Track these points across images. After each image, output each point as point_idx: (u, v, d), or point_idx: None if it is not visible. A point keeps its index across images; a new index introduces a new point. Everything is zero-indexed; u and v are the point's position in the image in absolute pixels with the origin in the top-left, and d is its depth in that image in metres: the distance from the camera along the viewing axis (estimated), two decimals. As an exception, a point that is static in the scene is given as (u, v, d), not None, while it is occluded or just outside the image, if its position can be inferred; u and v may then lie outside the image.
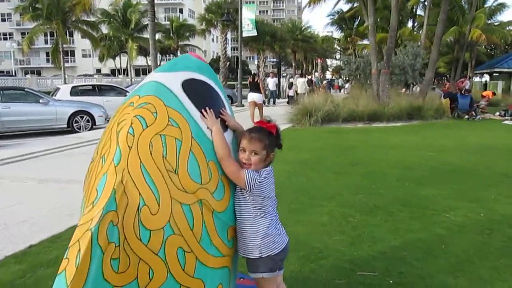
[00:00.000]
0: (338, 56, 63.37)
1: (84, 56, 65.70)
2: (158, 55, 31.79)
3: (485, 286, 3.02)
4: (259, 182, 2.00)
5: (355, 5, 35.21)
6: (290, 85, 25.04)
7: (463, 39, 30.79)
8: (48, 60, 53.16)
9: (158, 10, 53.05)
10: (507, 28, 36.15)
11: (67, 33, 40.23)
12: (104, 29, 42.76)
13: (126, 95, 4.04)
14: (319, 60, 54.78)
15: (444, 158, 7.89)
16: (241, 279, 2.76)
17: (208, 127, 2.03)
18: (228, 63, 40.79)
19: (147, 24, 24.07)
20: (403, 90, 20.67)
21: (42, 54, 63.70)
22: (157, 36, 35.84)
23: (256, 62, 49.04)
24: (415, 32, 34.42)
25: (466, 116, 15.54)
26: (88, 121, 13.09)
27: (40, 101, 12.50)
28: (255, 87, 13.50)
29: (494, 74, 30.20)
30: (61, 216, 4.62)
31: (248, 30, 24.03)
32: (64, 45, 35.96)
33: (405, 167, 6.97)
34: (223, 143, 2.01)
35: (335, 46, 59.89)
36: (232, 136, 2.18)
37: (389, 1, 19.91)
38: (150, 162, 1.78)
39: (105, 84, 20.38)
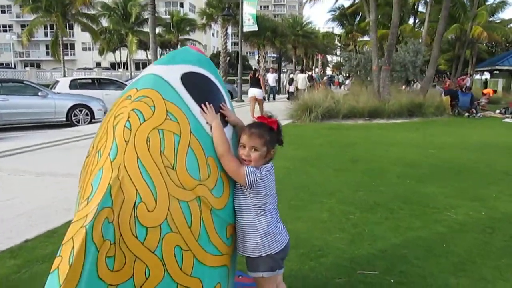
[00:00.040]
0: (338, 52, 63.20)
1: (84, 49, 65.53)
2: (158, 49, 31.67)
3: (486, 286, 2.97)
4: (260, 179, 1.95)
5: (357, 1, 35.11)
6: (291, 81, 24.95)
7: (464, 36, 30.75)
8: (47, 53, 52.93)
9: (159, 4, 52.80)
10: (509, 26, 36.07)
11: (67, 26, 40.08)
12: (104, 22, 42.62)
13: (124, 89, 3.97)
14: (319, 56, 54.66)
15: (445, 155, 7.84)
16: (240, 277, 2.72)
17: (207, 122, 1.97)
18: (228, 58, 40.71)
19: (148, 18, 23.98)
20: (404, 87, 20.61)
21: (42, 46, 63.51)
22: (157, 30, 35.73)
23: (256, 58, 48.94)
24: (416, 29, 34.33)
25: (467, 114, 15.48)
26: (87, 114, 13.03)
27: (39, 94, 12.44)
28: (255, 83, 13.50)
29: (495, 72, 30.13)
30: (58, 210, 4.57)
31: (249, 25, 23.91)
32: (64, 38, 35.81)
33: (405, 164, 6.92)
34: (223, 139, 1.96)
35: (336, 42, 59.72)
36: (232, 132, 2.12)
37: (391, -3, 19.82)
38: (148, 157, 1.72)
39: (104, 77, 20.30)
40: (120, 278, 1.60)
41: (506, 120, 14.55)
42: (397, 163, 7.01)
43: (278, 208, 2.13)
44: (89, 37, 42.71)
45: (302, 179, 5.88)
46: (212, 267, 1.84)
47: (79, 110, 12.94)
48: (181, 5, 64.36)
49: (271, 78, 24.43)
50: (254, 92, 13.32)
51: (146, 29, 36.25)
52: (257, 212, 2.00)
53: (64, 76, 30.10)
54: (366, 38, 41.89)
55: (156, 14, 20.43)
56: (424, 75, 19.82)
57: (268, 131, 2.02)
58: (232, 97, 21.43)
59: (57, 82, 16.21)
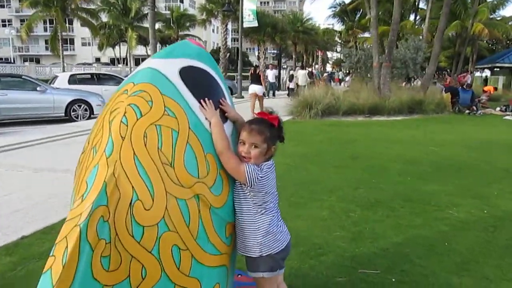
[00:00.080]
0: (338, 49, 63.09)
1: (83, 44, 65.36)
2: (158, 44, 31.54)
3: (489, 286, 2.93)
4: (261, 177, 1.89)
5: (357, -3, 34.99)
6: (291, 78, 24.85)
7: (465, 33, 30.65)
8: (47, 48, 52.84)
9: (159, -1, 52.62)
10: (509, 23, 35.98)
11: (67, 20, 39.95)
12: (104, 17, 42.51)
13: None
14: (319, 52, 54.52)
15: (446, 152, 7.79)
16: (239, 276, 2.67)
17: (206, 118, 1.91)
18: (228, 54, 40.59)
19: (147, 13, 23.86)
20: (404, 84, 20.55)
21: (41, 41, 63.32)
22: (157, 25, 35.63)
23: (256, 54, 48.82)
24: (416, 26, 34.23)
25: (467, 111, 15.43)
26: (86, 110, 12.96)
27: (38, 89, 12.35)
28: (256, 79, 13.49)
29: (495, 69, 30.05)
30: (56, 206, 4.52)
31: (249, 20, 23.83)
32: (64, 33, 35.73)
33: (406, 162, 6.88)
34: (222, 136, 1.90)
35: (336, 38, 59.58)
36: (232, 128, 2.06)
37: (392, -7, 19.73)
38: (144, 154, 1.67)
39: (103, 73, 20.24)
40: (115, 279, 1.56)
41: (507, 117, 14.50)
42: (398, 160, 6.97)
43: (279, 207, 2.07)
44: (88, 33, 42.60)
45: (302, 176, 5.83)
46: (211, 267, 1.79)
47: (78, 105, 12.87)
48: (181, 0, 64.11)
49: (270, 74, 24.33)
50: (254, 88, 13.30)
51: (146, 24, 36.16)
52: (258, 211, 1.94)
53: (63, 71, 29.99)
54: (366, 34, 41.81)
55: (155, 10, 20.34)
56: (424, 72, 19.75)
57: (268, 127, 1.96)
58: (232, 93, 21.34)
59: (56, 77, 16.12)
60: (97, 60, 59.28)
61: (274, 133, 1.99)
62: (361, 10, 40.23)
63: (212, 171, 1.84)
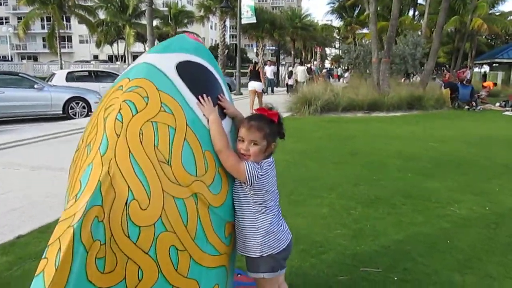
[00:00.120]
0: (337, 45, 62.99)
1: (81, 42, 65.10)
2: (156, 41, 31.42)
3: (492, 284, 2.88)
4: (261, 175, 1.83)
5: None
6: (290, 74, 24.77)
7: (464, 28, 30.59)
8: (44, 46, 52.50)
9: (156, -5, 52.38)
10: (508, 18, 35.93)
11: (64, 18, 39.78)
12: (101, 14, 42.31)
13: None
14: (318, 48, 54.40)
15: (446, 148, 7.74)
16: (239, 275, 2.62)
17: (204, 115, 1.86)
18: (226, 51, 40.44)
19: (145, 10, 23.75)
20: (403, 79, 20.50)
21: (39, 39, 63.00)
22: (155, 22, 35.54)
23: (255, 50, 48.66)
24: (415, 21, 34.17)
25: (467, 107, 15.38)
26: (83, 107, 12.87)
27: (35, 86, 12.28)
28: (255, 76, 13.47)
29: (494, 64, 30.01)
30: (53, 205, 4.47)
31: (247, 17, 23.73)
32: (61, 31, 35.61)
33: (406, 158, 6.83)
34: (221, 133, 1.84)
35: (335, 35, 59.48)
36: (230, 125, 2.00)
37: (391, -11, 19.65)
38: (140, 151, 1.61)
39: (101, 70, 20.12)
40: (111, 281, 1.51)
41: (506, 113, 14.46)
42: (398, 157, 6.92)
43: (280, 205, 2.02)
44: (86, 30, 42.47)
45: (301, 173, 5.79)
46: (210, 267, 1.74)
47: (76, 103, 12.78)
48: (179, -3, 63.86)
49: (269, 70, 24.26)
50: (254, 85, 13.30)
51: (144, 21, 35.96)
52: (258, 210, 1.89)
53: (61, 68, 29.89)
54: (365, 30, 41.77)
55: (153, 6, 20.23)
56: (423, 67, 19.70)
57: (268, 123, 1.91)
58: (230, 90, 21.12)
59: (53, 74, 16.03)
60: (95, 57, 59.11)
61: (274, 130, 1.93)
62: (360, 6, 40.19)
63: (211, 169, 1.78)
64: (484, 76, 31.21)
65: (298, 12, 44.23)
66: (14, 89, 12.08)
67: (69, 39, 64.56)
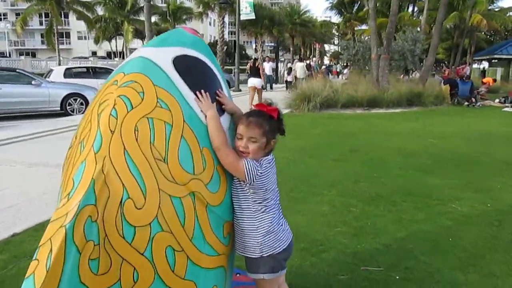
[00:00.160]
0: (336, 42, 62.86)
1: (79, 38, 64.84)
2: (154, 38, 31.30)
3: (496, 282, 2.84)
4: (260, 173, 1.77)
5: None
6: (289, 71, 24.67)
7: (463, 24, 30.52)
8: (43, 42, 52.35)
9: (155, -8, 52.14)
10: (508, 14, 35.83)
11: (62, 14, 39.60)
12: (100, 10, 42.13)
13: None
14: (317, 45, 54.26)
15: (446, 145, 7.70)
16: (238, 275, 2.57)
17: (202, 111, 1.80)
18: (225, 47, 40.29)
19: (143, 6, 23.61)
20: (402, 76, 20.43)
21: (37, 35, 62.79)
22: (154, 18, 35.38)
23: (254, 47, 48.52)
24: (414, 18, 34.08)
25: (466, 103, 15.34)
26: (81, 103, 12.78)
27: (33, 82, 12.19)
28: (255, 72, 13.43)
29: (493, 60, 29.95)
30: (50, 202, 4.41)
31: (246, 13, 23.64)
32: (59, 27, 35.46)
33: (406, 155, 6.78)
34: (219, 130, 1.78)
35: (334, 31, 59.33)
36: (229, 121, 1.94)
37: (390, -15, 19.56)
38: (136, 148, 1.55)
39: (100, 66, 20.04)
40: (105, 283, 1.46)
41: (506, 109, 14.41)
42: (398, 153, 6.87)
43: (281, 204, 1.96)
44: (85, 26, 42.25)
45: (301, 170, 5.74)
46: (208, 268, 1.68)
47: (74, 99, 12.70)
48: (178, -7, 63.59)
49: (267, 67, 24.11)
50: (253, 81, 13.27)
51: (142, 17, 35.87)
52: (258, 209, 1.83)
53: (59, 65, 29.74)
54: (364, 27, 41.65)
55: (152, 2, 20.11)
56: (422, 64, 19.63)
57: (267, 119, 1.84)
58: (229, 87, 20.97)
59: (51, 70, 15.93)
60: (94, 54, 58.90)
61: (274, 126, 1.86)
62: (359, 2, 40.12)
63: (209, 167, 1.72)
64: (483, 72, 31.17)
65: (297, 9, 44.03)
66: (11, 85, 11.99)
67: (68, 35, 64.30)
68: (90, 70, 16.31)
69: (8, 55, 52.70)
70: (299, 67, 22.89)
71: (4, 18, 60.30)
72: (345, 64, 34.67)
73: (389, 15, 17.17)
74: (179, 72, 1.81)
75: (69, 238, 1.35)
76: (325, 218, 3.94)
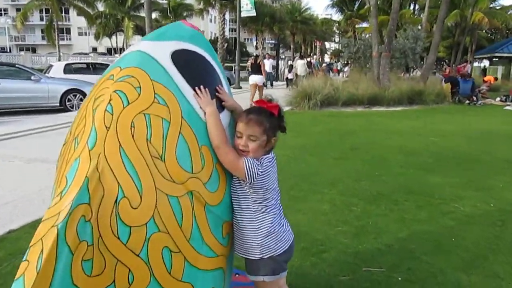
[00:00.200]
0: (337, 39, 62.76)
1: (80, 34, 64.63)
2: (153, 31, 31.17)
3: (500, 284, 2.78)
4: (261, 172, 1.71)
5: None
6: (290, 68, 24.58)
7: (464, 22, 30.43)
8: (43, 38, 52.12)
9: (155, -12, 51.95)
10: (509, 12, 35.72)
11: (63, 10, 39.49)
12: (100, 6, 41.99)
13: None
14: (318, 43, 54.16)
15: (447, 144, 7.64)
16: (237, 275, 2.51)
17: (201, 107, 1.74)
18: (226, 44, 40.19)
19: (144, 2, 23.52)
20: (402, 74, 20.36)
21: (38, 31, 62.57)
22: (154, 15, 35.26)
23: (254, 44, 48.43)
24: (415, 16, 33.97)
25: (467, 101, 15.27)
26: (81, 99, 12.68)
27: (32, 78, 12.11)
28: (256, 69, 13.35)
29: (494, 59, 29.86)
30: (47, 199, 4.29)
31: (247, 10, 23.52)
32: (60, 23, 35.32)
33: (407, 153, 6.72)
34: (219, 127, 1.72)
35: (334, 29, 59.22)
36: (229, 118, 1.88)
37: (392, -18, 19.47)
38: (132, 146, 1.50)
39: (100, 62, 19.94)
40: (99, 284, 1.41)
41: (507, 107, 14.35)
42: (399, 152, 6.81)
43: (281, 203, 1.90)
44: (85, 22, 42.08)
45: (301, 168, 5.68)
46: (206, 270, 1.62)
47: (73, 95, 12.62)
48: (178, -11, 63.36)
49: (267, 64, 24.02)
50: (255, 78, 13.21)
51: (143, 13, 35.68)
52: (258, 209, 1.77)
53: (59, 61, 29.65)
54: (364, 24, 41.54)
55: (152, -2, 20.02)
56: (423, 62, 19.55)
57: (268, 117, 1.77)
58: (230, 84, 20.89)
59: (50, 66, 15.86)
60: (94, 50, 58.76)
61: (274, 123, 1.80)
62: (360, 0, 39.90)
63: (207, 165, 1.66)
64: (484, 71, 31.07)
65: (298, 6, 43.96)
66: (10, 81, 11.91)
67: (68, 31, 64.13)
68: (90, 66, 16.24)
69: (8, 50, 52.55)
70: (300, 65, 22.79)
71: (4, 13, 60.10)
72: (345, 62, 34.57)
73: (390, 12, 17.08)
74: (178, 67, 1.75)
75: (61, 238, 1.30)
76: (326, 217, 3.88)
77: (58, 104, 12.40)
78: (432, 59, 17.48)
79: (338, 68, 44.15)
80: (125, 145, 1.49)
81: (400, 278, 2.79)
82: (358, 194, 4.56)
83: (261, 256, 1.78)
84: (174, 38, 1.88)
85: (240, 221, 1.78)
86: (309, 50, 58.84)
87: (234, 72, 24.04)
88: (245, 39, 66.88)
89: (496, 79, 23.17)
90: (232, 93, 2.08)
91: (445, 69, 28.08)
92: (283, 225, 1.85)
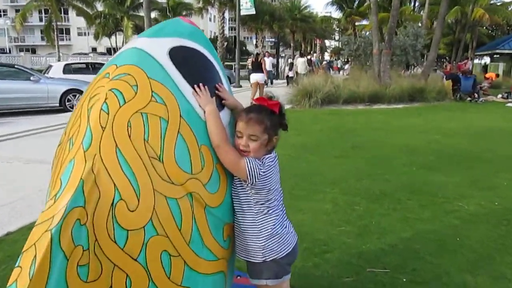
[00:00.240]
0: (337, 37, 62.67)
1: (79, 34, 64.56)
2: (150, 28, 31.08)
3: (508, 285, 2.72)
4: (263, 172, 1.65)
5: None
6: (291, 66, 24.51)
7: (465, 19, 30.33)
8: (43, 38, 52.00)
9: (155, -13, 51.84)
10: (510, 8, 35.62)
11: (62, 10, 39.42)
12: (99, 6, 41.91)
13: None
14: (318, 40, 54.08)
15: (450, 141, 7.58)
16: (238, 277, 2.46)
17: (200, 106, 1.68)
18: (226, 43, 40.13)
19: (143, 2, 23.46)
20: (403, 71, 20.26)
21: (37, 32, 62.50)
22: (153, 14, 35.18)
23: (254, 42, 48.38)
24: (415, 12, 33.87)
25: (469, 98, 15.20)
26: (80, 100, 12.66)
27: (31, 78, 12.06)
28: (257, 67, 13.26)
29: (495, 55, 29.74)
30: (45, 200, 4.29)
31: (247, 8, 23.46)
32: (59, 23, 35.28)
33: (410, 151, 6.66)
34: (219, 126, 1.66)
35: (334, 26, 59.14)
36: (229, 117, 1.82)
37: (392, -21, 19.39)
38: (128, 146, 1.44)
39: (99, 62, 19.88)
40: (95, 291, 1.35)
41: (509, 104, 14.27)
42: (401, 150, 6.75)
43: (284, 204, 1.84)
44: (84, 22, 42.04)
45: (302, 167, 5.62)
46: (206, 274, 1.57)
47: (73, 95, 12.57)
48: (178, -12, 63.23)
49: (267, 62, 23.95)
50: (256, 77, 13.13)
51: (142, 13, 35.55)
52: (260, 211, 1.71)
53: (59, 61, 29.60)
54: (364, 22, 41.46)
55: (151, -3, 19.95)
56: (423, 59, 19.46)
57: (268, 115, 1.71)
58: (230, 83, 20.79)
59: (50, 66, 15.81)
60: (94, 50, 58.67)
61: (275, 121, 1.73)
62: (360, -3, 39.85)
63: (207, 166, 1.60)
64: (485, 68, 30.96)
65: (298, 4, 43.87)
66: (9, 81, 11.86)
67: (67, 31, 64.06)
68: (89, 66, 16.19)
69: (8, 51, 52.49)
70: (300, 63, 22.72)
71: (4, 15, 60.03)
72: (346, 59, 34.48)
73: (390, 10, 17.01)
74: (176, 64, 1.69)
75: (56, 243, 1.25)
76: (328, 217, 3.83)
77: (57, 105, 12.35)
78: (433, 56, 17.40)
79: (339, 66, 44.07)
80: (121, 145, 1.43)
81: (405, 279, 2.74)
82: (361, 193, 4.51)
83: (263, 259, 1.72)
84: (172, 34, 1.82)
85: (241, 223, 1.72)
86: (309, 48, 58.75)
87: (234, 71, 23.97)
88: (244, 37, 66.79)
89: (497, 75, 23.08)
90: (232, 91, 2.03)
91: (445, 66, 27.98)
92: (286, 227, 1.79)
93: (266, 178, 1.67)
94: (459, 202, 4.26)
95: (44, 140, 7.65)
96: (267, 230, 1.71)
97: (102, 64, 14.41)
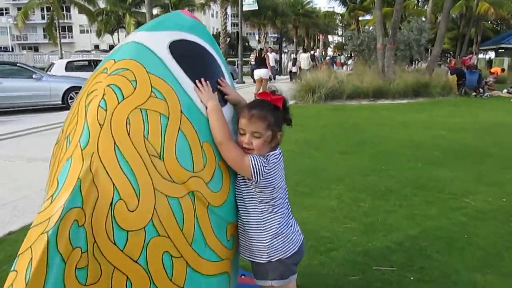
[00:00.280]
0: (340, 33, 62.44)
1: (82, 32, 64.62)
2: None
3: (517, 283, 2.66)
4: (268, 170, 1.59)
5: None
6: (294, 62, 24.41)
7: (469, 13, 30.11)
8: (45, 36, 52.08)
9: (157, -16, 51.74)
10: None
11: (64, 8, 39.40)
12: (101, 3, 41.88)
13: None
14: (321, 36, 53.89)
15: (455, 137, 7.50)
16: (243, 277, 2.41)
17: (202, 101, 1.62)
18: (228, 39, 40.03)
19: (145, -2, 23.39)
20: (407, 66, 20.14)
21: (39, 29, 62.60)
22: (155, 11, 35.12)
23: (257, 38, 48.27)
24: (419, 7, 33.66)
25: (474, 93, 15.08)
26: (83, 97, 12.63)
27: (33, 76, 12.05)
28: (261, 63, 13.13)
29: (500, 50, 29.54)
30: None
31: (249, 4, 23.36)
32: (61, 21, 35.31)
33: (415, 147, 6.59)
34: (222, 123, 1.60)
35: (337, 22, 58.90)
36: (232, 113, 1.77)
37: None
38: (127, 144, 1.39)
39: (101, 59, 19.88)
40: (95, 294, 1.30)
41: (515, 99, 14.15)
42: (406, 145, 6.68)
43: (289, 202, 1.79)
44: (87, 20, 42.04)
45: (307, 163, 5.57)
46: (210, 275, 1.52)
47: (75, 93, 12.52)
48: (180, -15, 63.10)
49: (270, 57, 23.86)
50: (260, 72, 12.92)
51: (144, 10, 35.53)
52: (265, 209, 1.65)
53: (61, 59, 29.59)
54: (367, 17, 41.25)
55: (153, -6, 19.88)
56: (427, 54, 19.33)
57: (271, 110, 1.64)
58: (233, 79, 20.71)
59: (52, 64, 15.79)
60: (96, 47, 58.68)
61: (279, 117, 1.67)
62: (363, -8, 39.64)
63: (210, 164, 1.55)
64: (490, 62, 30.75)
65: (300, -1, 43.74)
66: (12, 79, 11.86)
67: (70, 29, 64.11)
68: (92, 63, 16.15)
69: (11, 49, 52.60)
70: (304, 58, 22.61)
71: (6, 13, 60.09)
72: (349, 55, 34.32)
73: (394, 4, 16.87)
74: (176, 58, 1.63)
75: (52, 245, 1.20)
76: (333, 214, 3.77)
77: (60, 102, 12.33)
78: (438, 50, 17.28)
79: (342, 61, 43.90)
80: (120, 143, 1.38)
81: (412, 278, 2.68)
82: (366, 190, 4.45)
83: (269, 259, 1.67)
84: (173, 27, 1.76)
85: (245, 223, 1.67)
86: (312, 44, 58.56)
87: (237, 67, 23.90)
88: (247, 33, 66.68)
89: (503, 70, 22.90)
90: (235, 87, 1.97)
91: (450, 61, 27.80)
92: (291, 226, 1.73)
93: (270, 176, 1.61)
94: (466, 198, 4.19)
95: (47, 138, 7.62)
96: (272, 229, 1.66)
97: (104, 61, 14.48)
